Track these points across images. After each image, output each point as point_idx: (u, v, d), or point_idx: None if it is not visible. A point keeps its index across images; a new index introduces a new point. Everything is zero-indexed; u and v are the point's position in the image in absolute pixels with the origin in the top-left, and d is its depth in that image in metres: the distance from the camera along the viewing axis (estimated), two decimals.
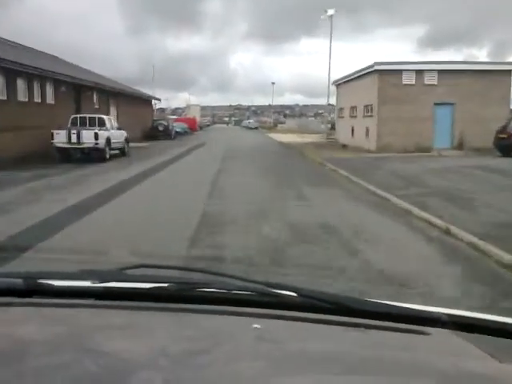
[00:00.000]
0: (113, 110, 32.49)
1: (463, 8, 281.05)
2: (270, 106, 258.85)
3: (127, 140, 23.83)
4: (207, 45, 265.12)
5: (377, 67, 24.83)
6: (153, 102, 47.68)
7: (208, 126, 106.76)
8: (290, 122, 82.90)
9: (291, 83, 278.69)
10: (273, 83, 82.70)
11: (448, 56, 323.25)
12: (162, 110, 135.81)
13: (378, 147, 25.14)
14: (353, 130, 30.62)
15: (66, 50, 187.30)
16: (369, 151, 25.39)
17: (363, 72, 27.24)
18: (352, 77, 30.47)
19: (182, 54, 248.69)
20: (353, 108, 31.15)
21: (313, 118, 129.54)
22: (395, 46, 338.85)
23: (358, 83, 29.21)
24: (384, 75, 24.83)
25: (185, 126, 51.88)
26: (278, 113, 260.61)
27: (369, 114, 27.01)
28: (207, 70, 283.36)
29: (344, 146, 28.96)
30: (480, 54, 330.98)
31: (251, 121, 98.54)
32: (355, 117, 30.24)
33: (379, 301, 1.26)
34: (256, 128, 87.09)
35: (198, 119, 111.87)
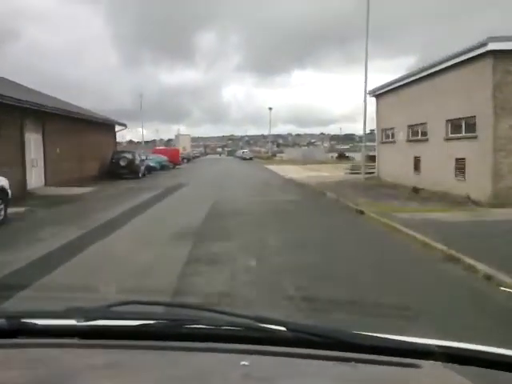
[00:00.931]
0: (33, 138, 20.14)
1: (454, 36, 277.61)
2: (263, 136, 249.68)
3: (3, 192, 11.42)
4: (200, 77, 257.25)
5: (492, 46, 12.68)
6: (123, 129, 35.33)
7: (198, 157, 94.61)
8: (290, 152, 70.78)
9: (283, 114, 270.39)
10: (270, 109, 71.44)
11: None
12: (152, 141, 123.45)
13: (495, 194, 12.88)
14: (417, 162, 18.42)
15: (59, 84, 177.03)
16: (474, 202, 13.11)
17: (449, 62, 15.11)
18: (412, 77, 18.44)
19: (175, 86, 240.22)
20: (414, 127, 19.07)
21: (309, 147, 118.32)
22: (386, 76, 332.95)
23: (425, 86, 17.19)
24: (506, 61, 12.75)
25: (163, 158, 39.53)
26: (272, 142, 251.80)
27: (463, 134, 14.86)
28: (200, 101, 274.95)
29: (416, 191, 16.57)
30: None
31: (245, 151, 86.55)
32: (422, 141, 18.10)
33: (370, 334, 1.19)
34: (251, 158, 74.99)
35: (188, 150, 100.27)
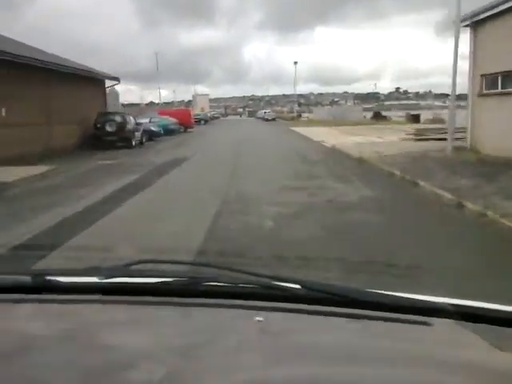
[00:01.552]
0: None
1: None
2: (284, 95, 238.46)
3: None
4: (220, 36, 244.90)
5: None
6: (115, 86, 27.90)
7: (217, 118, 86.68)
8: (318, 111, 62.18)
9: (305, 72, 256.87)
10: (295, 63, 61.98)
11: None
12: (171, 103, 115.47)
13: None
14: None
15: (79, 46, 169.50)
16: None
17: None
18: None
19: (195, 46, 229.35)
20: None
21: (341, 105, 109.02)
22: (413, 32, 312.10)
23: None
24: None
25: (169, 121, 31.98)
26: (293, 102, 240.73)
27: None
28: (221, 61, 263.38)
29: None
30: None
31: (268, 111, 77.89)
32: None
33: (384, 292, 1.19)
34: (274, 119, 66.78)
35: (207, 110, 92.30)
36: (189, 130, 37.13)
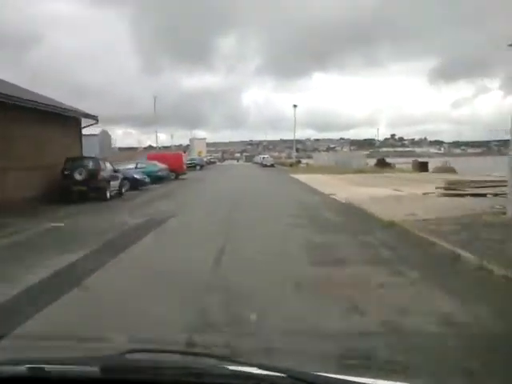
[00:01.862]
0: None
1: (474, 39, 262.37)
2: (282, 140, 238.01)
3: None
4: (220, 82, 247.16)
5: None
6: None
7: (213, 163, 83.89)
8: (318, 157, 59.00)
9: (302, 118, 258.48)
10: (295, 106, 59.29)
11: (460, 88, 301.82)
12: (166, 147, 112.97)
13: None
14: None
15: (79, 89, 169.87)
16: None
17: None
18: None
19: (194, 91, 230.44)
20: None
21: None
22: (408, 79, 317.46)
23: None
24: None
25: (157, 167, 28.50)
26: (290, 148, 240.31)
27: None
28: (220, 106, 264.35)
29: None
30: (493, 85, 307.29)
31: (265, 156, 74.92)
32: None
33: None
34: (272, 165, 63.72)
35: (204, 154, 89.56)
36: (181, 176, 33.68)
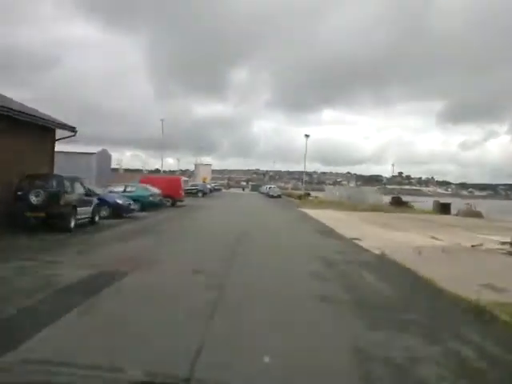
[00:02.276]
0: None
1: (483, 84, 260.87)
2: (288, 172, 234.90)
3: None
4: (230, 111, 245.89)
5: None
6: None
7: (218, 190, 79.89)
8: (330, 190, 54.68)
9: (310, 151, 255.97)
10: (307, 136, 55.25)
11: (468, 131, 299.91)
12: (172, 171, 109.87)
13: None
14: None
15: (96, 109, 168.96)
16: None
17: None
18: None
19: (206, 119, 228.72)
20: None
21: (359, 187, 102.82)
22: (416, 119, 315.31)
23: None
24: None
25: (150, 192, 24.39)
26: (297, 179, 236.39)
27: None
28: (229, 135, 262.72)
29: None
30: (500, 130, 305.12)
31: (272, 186, 70.76)
32: None
33: None
34: (279, 196, 59.58)
35: (208, 180, 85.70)
36: (178, 203, 29.57)
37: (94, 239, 12.43)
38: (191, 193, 50.73)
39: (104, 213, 17.94)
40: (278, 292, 6.94)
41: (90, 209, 15.17)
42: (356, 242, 14.84)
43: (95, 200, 15.79)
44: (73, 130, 17.40)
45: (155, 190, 24.93)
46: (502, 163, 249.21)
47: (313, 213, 29.18)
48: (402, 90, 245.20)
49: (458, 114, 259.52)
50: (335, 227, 19.67)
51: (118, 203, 18.49)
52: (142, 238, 13.00)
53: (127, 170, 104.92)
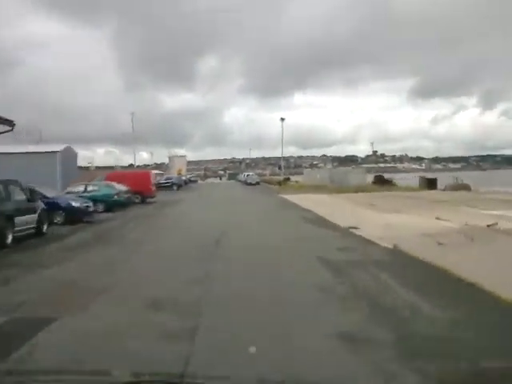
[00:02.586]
0: None
1: (451, 59, 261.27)
2: (264, 158, 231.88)
3: None
4: (202, 101, 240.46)
5: None
6: None
7: (195, 181, 76.84)
8: (309, 174, 52.24)
9: (285, 136, 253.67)
10: (282, 119, 52.32)
11: (438, 106, 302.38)
12: (147, 165, 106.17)
13: None
14: None
15: (64, 108, 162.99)
16: None
17: None
18: None
19: (177, 110, 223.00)
20: None
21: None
22: (387, 98, 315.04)
23: None
24: None
25: (118, 189, 21.53)
26: (273, 165, 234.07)
27: None
28: (202, 125, 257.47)
29: None
30: (470, 103, 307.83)
31: (250, 173, 67.92)
32: None
33: None
34: (257, 183, 57.09)
35: (184, 172, 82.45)
36: (149, 200, 26.77)
37: (31, 258, 9.68)
38: (165, 186, 47.80)
39: (58, 219, 15.15)
40: (277, 343, 4.40)
41: (34, 217, 12.37)
42: (354, 231, 12.50)
43: (41, 205, 12.97)
44: (10, 123, 14.45)
45: (121, 188, 22.08)
46: (473, 135, 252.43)
47: (296, 198, 26.78)
48: (371, 70, 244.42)
49: (428, 90, 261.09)
50: (324, 214, 17.32)
51: (72, 206, 15.65)
52: (94, 252, 10.31)
53: (99, 168, 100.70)
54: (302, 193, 34.18)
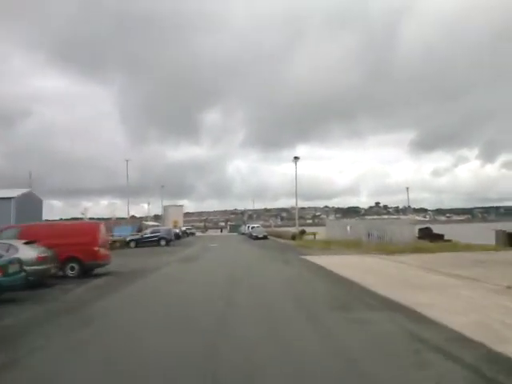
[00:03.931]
0: None
1: (451, 111, 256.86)
2: (266, 209, 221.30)
3: None
4: (205, 153, 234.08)
5: None
6: None
7: (192, 234, 65.67)
8: (334, 226, 39.86)
9: (286, 188, 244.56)
10: (296, 158, 41.78)
11: (439, 157, 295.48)
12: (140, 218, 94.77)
13: None
14: None
15: (68, 159, 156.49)
16: None
17: None
18: None
19: (180, 163, 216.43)
20: None
21: (376, 219, 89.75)
22: (388, 150, 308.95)
23: None
24: None
25: (30, 255, 10.70)
26: (275, 216, 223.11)
27: None
28: (205, 177, 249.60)
29: None
30: (470, 155, 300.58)
31: (256, 225, 56.11)
32: None
33: None
34: (265, 237, 45.94)
35: (180, 224, 71.46)
36: (98, 270, 15.67)
37: None
38: (150, 241, 36.78)
39: None
40: None
41: None
42: None
43: None
44: None
45: (38, 252, 11.15)
46: (474, 187, 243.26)
47: (339, 266, 15.69)
48: (373, 123, 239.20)
49: (428, 143, 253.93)
50: (416, 304, 6.55)
51: None
52: None
53: (93, 219, 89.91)
54: (333, 253, 23.09)
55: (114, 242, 38.17)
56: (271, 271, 16.25)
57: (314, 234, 40.48)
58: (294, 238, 37.62)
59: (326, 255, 22.53)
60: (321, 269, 16.34)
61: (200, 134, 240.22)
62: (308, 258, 21.39)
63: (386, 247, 24.21)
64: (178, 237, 45.81)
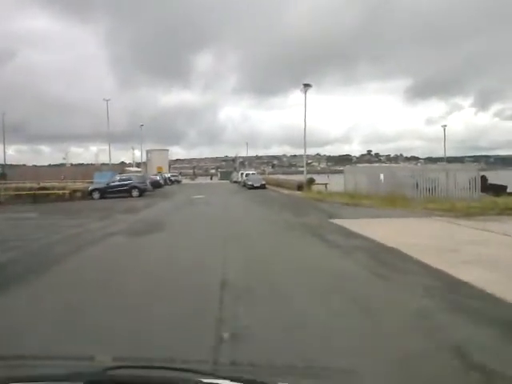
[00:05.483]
0: None
1: (447, 59, 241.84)
2: (257, 156, 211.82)
3: None
4: (197, 99, 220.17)
5: None
6: None
7: (177, 182, 56.84)
8: (355, 173, 30.03)
9: (279, 135, 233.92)
10: (306, 85, 32.30)
11: (434, 106, 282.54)
12: (138, 163, 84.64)
13: None
14: None
15: (57, 104, 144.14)
16: None
17: None
18: None
19: (171, 109, 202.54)
20: None
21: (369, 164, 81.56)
22: (383, 97, 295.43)
23: None
24: None
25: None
26: (266, 163, 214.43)
27: None
28: (196, 123, 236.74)
29: None
30: (465, 103, 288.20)
31: (252, 172, 47.25)
32: None
33: None
34: (263, 186, 37.42)
35: (165, 170, 62.66)
36: None
37: None
38: (118, 192, 28.05)
39: None
40: None
41: None
42: None
43: None
44: None
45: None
46: (467, 135, 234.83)
47: (409, 244, 7.47)
48: (369, 70, 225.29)
49: (425, 90, 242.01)
50: None
51: None
52: None
53: (75, 165, 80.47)
54: (374, 214, 14.66)
55: (75, 191, 29.54)
56: (295, 245, 7.74)
57: (325, 184, 31.92)
58: (300, 188, 29.08)
59: (366, 218, 14.14)
60: (397, 255, 7.87)
61: (191, 80, 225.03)
62: (344, 223, 12.89)
63: (446, 205, 15.91)
64: (158, 185, 37.00)
